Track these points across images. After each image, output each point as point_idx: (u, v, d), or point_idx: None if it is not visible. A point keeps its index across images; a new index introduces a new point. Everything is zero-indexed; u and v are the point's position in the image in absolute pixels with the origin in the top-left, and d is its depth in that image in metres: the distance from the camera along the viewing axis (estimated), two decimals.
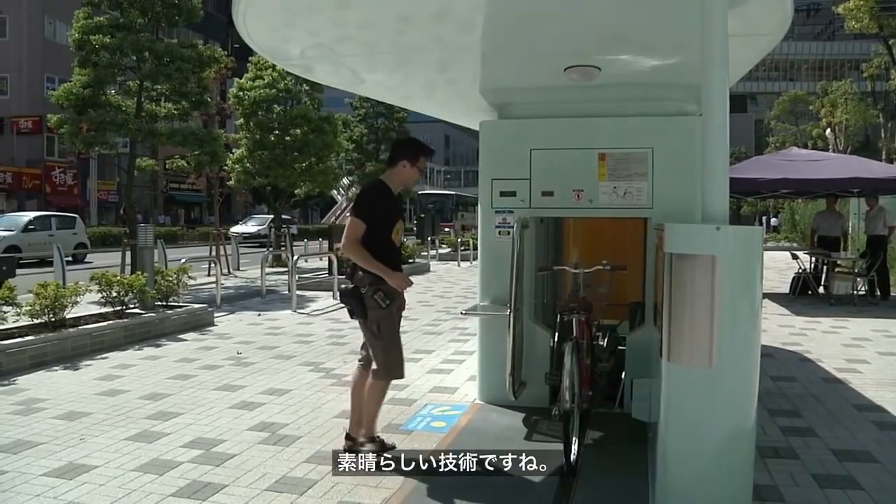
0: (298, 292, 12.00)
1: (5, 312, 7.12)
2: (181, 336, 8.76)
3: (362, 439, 4.42)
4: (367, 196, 4.31)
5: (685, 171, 5.02)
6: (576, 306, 4.47)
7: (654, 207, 5.20)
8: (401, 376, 4.35)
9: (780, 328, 9.43)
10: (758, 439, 3.43)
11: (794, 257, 13.81)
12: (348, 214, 4.33)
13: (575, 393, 4.07)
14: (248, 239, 31.59)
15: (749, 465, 3.31)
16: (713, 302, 3.15)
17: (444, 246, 26.56)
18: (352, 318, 4.29)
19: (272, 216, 24.34)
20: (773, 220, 38.20)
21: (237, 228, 32.45)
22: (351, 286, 4.26)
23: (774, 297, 12.70)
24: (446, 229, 34.16)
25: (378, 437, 4.48)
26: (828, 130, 37.58)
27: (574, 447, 4.08)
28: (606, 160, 5.30)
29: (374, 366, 4.29)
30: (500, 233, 5.44)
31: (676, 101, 5.29)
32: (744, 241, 3.27)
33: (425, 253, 22.23)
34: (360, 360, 4.53)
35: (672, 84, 5.09)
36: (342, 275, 14.16)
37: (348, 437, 4.47)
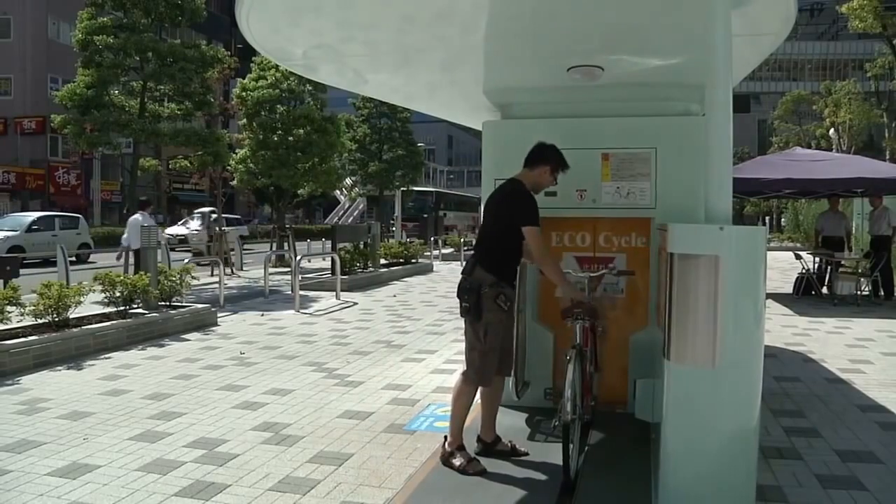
0: (301, 292, 12.00)
1: (9, 312, 7.13)
2: (184, 336, 8.77)
3: (478, 446, 4.35)
4: (530, 199, 4.20)
5: (688, 172, 5.01)
6: (580, 312, 4.29)
7: (657, 208, 5.20)
8: (488, 384, 4.19)
9: (784, 328, 9.42)
10: (761, 440, 3.43)
11: (798, 257, 13.80)
12: (516, 221, 4.14)
13: (576, 404, 3.91)
14: (182, 242, 27.06)
15: (753, 466, 3.30)
16: (716, 302, 3.15)
17: (447, 246, 26.58)
18: (463, 314, 4.14)
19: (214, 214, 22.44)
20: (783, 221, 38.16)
21: (172, 230, 27.80)
22: (471, 282, 4.10)
23: (778, 298, 12.69)
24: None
25: (465, 449, 4.21)
26: (831, 130, 37.50)
27: (573, 461, 3.95)
28: (610, 160, 5.30)
29: (465, 368, 4.20)
30: None
31: (680, 101, 5.28)
32: (747, 242, 3.26)
33: (428, 253, 22.23)
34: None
35: (675, 84, 5.09)
36: (345, 274, 14.21)
37: (479, 439, 4.40)
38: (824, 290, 13.29)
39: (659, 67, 4.81)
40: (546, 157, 4.35)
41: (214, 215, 21.89)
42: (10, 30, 37.31)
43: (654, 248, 5.14)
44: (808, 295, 13.20)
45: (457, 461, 4.11)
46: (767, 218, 40.08)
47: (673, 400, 3.41)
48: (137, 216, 13.17)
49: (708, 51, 3.39)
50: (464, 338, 4.23)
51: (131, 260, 12.81)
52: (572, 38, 4.33)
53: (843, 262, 13.09)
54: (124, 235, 13.42)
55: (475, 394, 4.22)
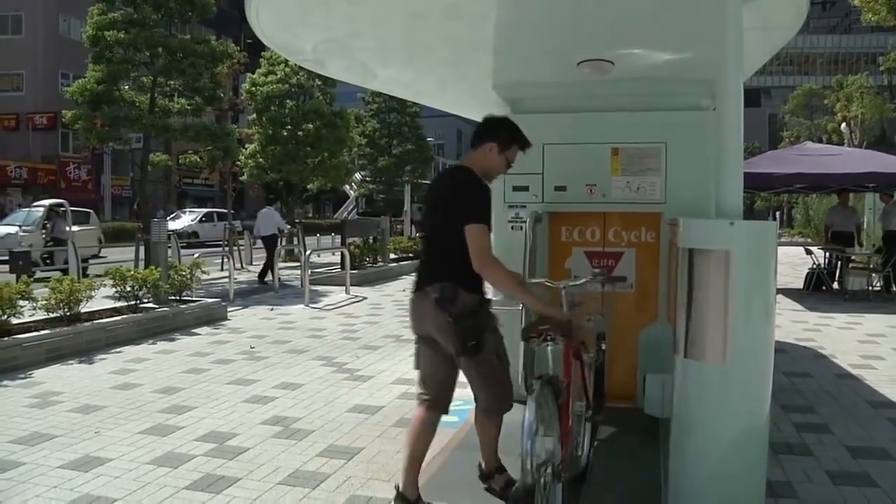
0: (311, 287, 12.03)
1: (22, 307, 7.18)
2: (194, 330, 8.80)
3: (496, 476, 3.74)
4: (478, 189, 3.33)
5: (698, 166, 4.99)
6: (547, 330, 3.24)
7: (668, 202, 5.18)
8: (512, 397, 3.49)
9: (794, 324, 9.38)
10: (771, 435, 3.41)
11: (809, 252, 13.73)
12: (451, 217, 3.27)
13: (544, 463, 2.99)
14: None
15: (763, 461, 3.29)
16: (727, 297, 3.14)
17: None
18: (463, 353, 3.24)
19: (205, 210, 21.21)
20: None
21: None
22: (466, 310, 3.22)
23: (788, 293, 12.63)
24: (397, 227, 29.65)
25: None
26: (843, 125, 37.23)
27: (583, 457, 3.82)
28: (620, 155, 5.29)
29: (485, 404, 3.45)
30: (512, 227, 5.44)
31: (690, 95, 5.26)
32: (758, 236, 3.25)
33: None
34: (424, 397, 3.51)
35: (686, 78, 5.06)
36: (354, 269, 14.22)
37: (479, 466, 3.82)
38: (835, 285, 13.22)
39: (669, 62, 4.78)
40: (492, 133, 3.47)
41: (63, 211, 16.75)
42: (21, 26, 37.51)
43: (664, 242, 5.13)
44: (818, 290, 13.13)
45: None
46: (778, 213, 39.86)
47: (683, 395, 3.40)
48: (267, 209, 15.79)
49: (719, 45, 3.37)
50: (468, 379, 3.41)
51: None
52: (582, 33, 4.31)
53: (853, 258, 13.02)
54: (255, 225, 16.06)
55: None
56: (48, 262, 15.97)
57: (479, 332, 3.23)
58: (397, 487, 3.44)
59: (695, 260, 3.24)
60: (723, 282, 3.14)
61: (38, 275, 12.35)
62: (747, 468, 3.25)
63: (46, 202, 19.14)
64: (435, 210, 3.44)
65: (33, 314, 7.53)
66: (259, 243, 16.43)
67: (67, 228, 16.17)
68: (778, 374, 5.83)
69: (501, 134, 3.46)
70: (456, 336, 3.20)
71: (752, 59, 4.66)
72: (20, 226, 18.26)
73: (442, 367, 3.43)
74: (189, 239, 27.40)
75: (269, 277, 14.26)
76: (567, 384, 3.35)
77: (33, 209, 19.34)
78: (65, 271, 11.35)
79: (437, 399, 3.45)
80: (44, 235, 16.83)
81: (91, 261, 16.88)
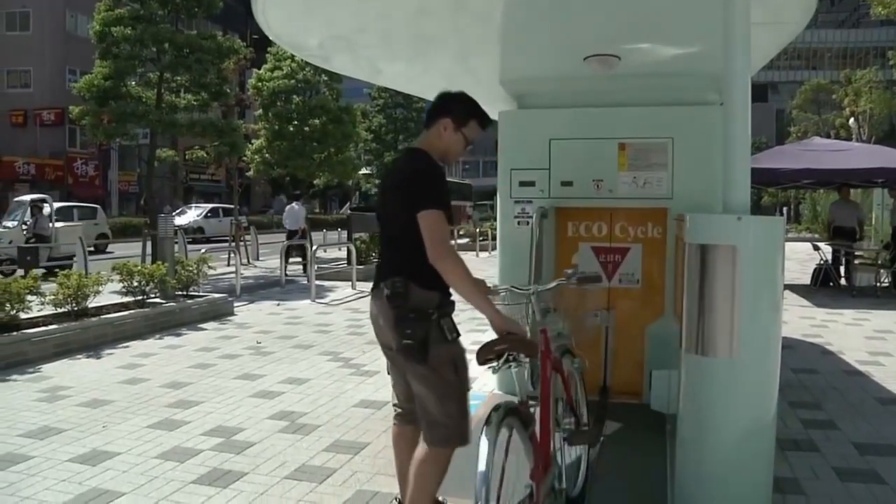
0: (317, 282, 12.04)
1: (30, 301, 7.21)
2: (201, 325, 8.83)
3: None
4: (433, 173, 2.91)
5: (705, 161, 4.98)
6: (506, 349, 2.71)
7: (674, 198, 5.17)
8: (470, 438, 2.88)
9: (801, 320, 9.35)
10: (778, 432, 3.41)
11: (816, 248, 13.68)
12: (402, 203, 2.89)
13: None
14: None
15: (769, 458, 3.29)
16: (734, 292, 3.13)
17: (462, 236, 26.58)
18: (407, 358, 2.82)
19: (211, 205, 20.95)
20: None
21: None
22: (410, 308, 2.79)
23: (795, 289, 12.59)
24: None
25: None
26: (851, 120, 37.04)
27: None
28: (626, 150, 5.27)
29: (432, 430, 2.87)
30: (519, 223, 5.44)
31: (697, 90, 5.24)
32: (765, 232, 3.24)
33: None
34: (396, 410, 3.22)
35: (692, 73, 5.05)
36: (361, 264, 14.23)
37: None
38: (842, 281, 13.17)
39: (676, 56, 4.77)
40: (445, 109, 3.05)
41: (46, 206, 16.98)
42: (29, 23, 37.63)
43: (671, 238, 5.12)
44: (826, 286, 13.08)
45: None
46: (785, 208, 39.69)
47: (689, 391, 3.40)
48: (294, 205, 16.82)
49: (726, 39, 3.36)
50: (420, 389, 2.89)
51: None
52: (588, 28, 4.30)
53: (858, 253, 12.96)
54: (285, 220, 17.00)
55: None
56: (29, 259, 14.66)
57: (421, 332, 2.74)
58: (398, 500, 3.28)
59: (702, 255, 3.23)
60: (730, 277, 3.13)
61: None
62: (754, 464, 3.25)
63: (28, 197, 18.85)
64: (387, 199, 3.05)
65: (41, 309, 7.57)
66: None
67: (50, 224, 16.14)
68: (785, 371, 5.83)
69: (456, 109, 3.04)
70: (394, 331, 2.81)
71: (760, 53, 4.64)
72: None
73: (401, 376, 3.08)
74: (194, 234, 27.39)
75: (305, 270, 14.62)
76: (544, 405, 2.97)
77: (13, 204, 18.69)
78: (49, 269, 10.83)
79: (408, 412, 3.11)
80: (24, 232, 16.35)
81: (74, 259, 15.31)
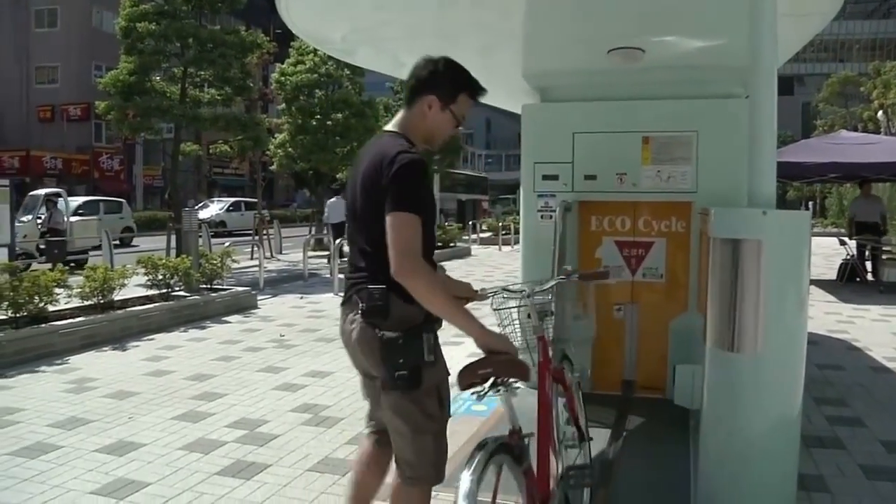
0: (340, 275, 12.09)
1: (57, 294, 7.31)
2: (225, 318, 8.90)
3: None
4: (416, 167, 2.36)
5: (730, 155, 4.93)
6: (489, 373, 2.28)
7: (699, 191, 5.13)
8: (444, 475, 2.50)
9: (827, 315, 9.24)
10: (803, 428, 3.37)
11: (842, 243, 13.51)
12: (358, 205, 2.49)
13: None
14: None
15: (794, 454, 3.26)
16: (759, 287, 3.10)
17: (484, 229, 26.57)
18: (394, 388, 2.35)
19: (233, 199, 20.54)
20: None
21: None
22: (396, 328, 2.33)
23: (821, 284, 12.44)
24: None
25: None
26: (879, 112, 36.46)
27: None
28: (650, 143, 5.24)
29: (400, 467, 2.48)
30: (542, 216, 5.42)
31: (722, 83, 5.19)
32: (791, 226, 3.21)
33: (466, 237, 22.22)
34: (370, 429, 2.75)
35: (718, 66, 4.99)
36: None
37: None
38: (869, 276, 13.00)
39: (701, 49, 4.72)
40: (429, 83, 2.54)
41: (60, 201, 16.95)
42: (57, 20, 38.17)
43: (695, 232, 5.08)
44: (852, 281, 12.92)
45: None
46: (811, 203, 39.25)
47: (713, 386, 3.37)
48: (336, 199, 16.92)
49: (753, 31, 3.32)
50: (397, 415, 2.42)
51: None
52: (612, 20, 4.27)
53: (885, 248, 12.78)
54: (325, 214, 17.52)
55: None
56: (43, 253, 14.98)
57: (416, 356, 2.31)
58: None
59: (726, 249, 3.20)
60: (755, 272, 3.10)
61: (34, 267, 12.07)
62: (779, 460, 3.22)
63: (42, 191, 18.77)
64: (359, 192, 2.48)
65: (68, 302, 7.67)
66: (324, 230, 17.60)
67: (65, 218, 16.29)
68: (810, 366, 5.77)
69: (442, 83, 2.52)
70: (382, 362, 2.34)
71: (787, 45, 4.58)
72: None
73: (378, 400, 2.56)
74: (216, 228, 27.61)
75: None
76: (543, 430, 2.64)
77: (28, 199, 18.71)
78: (65, 263, 10.83)
79: (385, 437, 2.59)
80: (39, 226, 16.37)
81: (91, 253, 15.69)
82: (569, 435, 3.06)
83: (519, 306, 2.88)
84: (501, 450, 2.28)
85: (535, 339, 2.84)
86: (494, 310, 2.91)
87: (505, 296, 2.91)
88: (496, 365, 2.31)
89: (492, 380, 2.26)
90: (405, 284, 2.27)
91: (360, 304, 2.39)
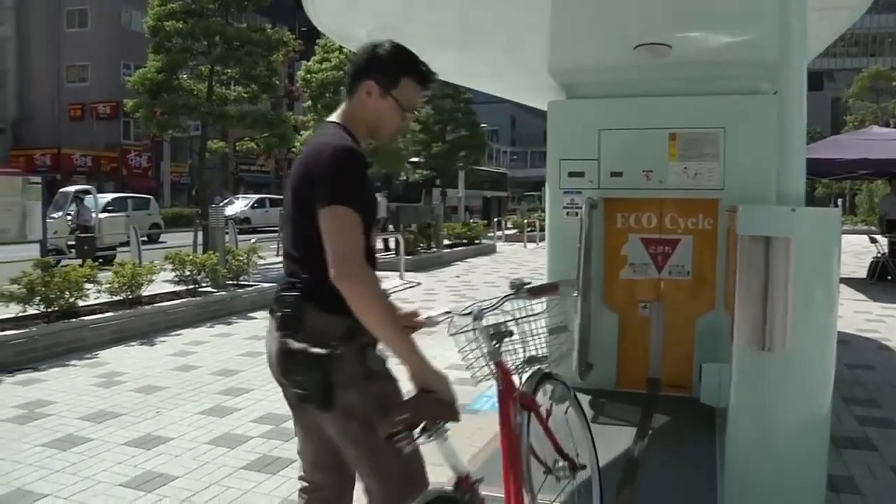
0: None
1: (87, 290, 7.42)
2: (251, 314, 8.97)
3: None
4: (352, 159, 2.07)
5: (758, 151, 4.88)
6: (409, 419, 1.95)
7: (726, 188, 5.08)
8: (427, 484, 2.21)
9: (857, 314, 9.11)
10: (832, 429, 3.33)
11: (873, 241, 13.30)
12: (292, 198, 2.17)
13: None
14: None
15: (823, 455, 3.22)
16: (788, 285, 3.06)
17: (510, 226, 26.54)
18: (302, 401, 2.13)
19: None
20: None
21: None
22: (305, 340, 2.05)
23: (851, 282, 12.26)
24: None
25: None
26: None
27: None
28: (677, 140, 5.19)
29: (372, 499, 2.17)
30: (567, 213, 5.40)
31: (750, 78, 5.14)
32: (821, 223, 3.17)
33: (491, 234, 22.19)
34: (303, 483, 2.34)
35: (746, 61, 4.94)
36: (409, 254, 14.30)
37: None
38: None
39: (729, 44, 4.67)
40: (366, 68, 2.22)
41: (89, 197, 17.33)
42: (87, 20, 38.75)
43: (722, 229, 5.03)
44: (883, 280, 12.72)
45: None
46: (840, 200, 38.70)
47: (741, 385, 3.34)
48: (377, 195, 15.87)
49: (782, 26, 3.27)
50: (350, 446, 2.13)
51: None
52: (639, 15, 4.23)
53: None
54: None
55: None
56: (74, 249, 15.15)
57: (316, 378, 2.03)
58: None
59: (754, 247, 3.17)
60: (784, 270, 3.06)
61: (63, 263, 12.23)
62: (808, 461, 3.18)
63: (73, 188, 19.12)
64: (288, 191, 2.20)
65: (98, 297, 7.78)
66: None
67: (94, 215, 16.50)
68: (840, 366, 5.69)
69: (381, 66, 2.20)
70: (283, 376, 2.14)
71: (817, 40, 4.52)
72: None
73: (312, 433, 2.23)
74: (241, 225, 27.90)
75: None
76: (510, 467, 2.38)
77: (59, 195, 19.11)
78: (95, 259, 10.92)
79: (317, 486, 2.28)
80: (69, 223, 16.62)
81: (119, 249, 15.98)
82: (559, 467, 2.68)
83: (473, 329, 2.55)
84: (448, 501, 2.04)
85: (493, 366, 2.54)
86: (451, 335, 2.59)
87: (455, 320, 2.58)
88: (416, 409, 2.00)
89: (420, 425, 1.96)
90: (342, 290, 1.95)
91: (277, 313, 2.13)
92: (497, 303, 2.63)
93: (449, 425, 2.02)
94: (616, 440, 4.25)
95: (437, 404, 2.03)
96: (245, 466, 4.01)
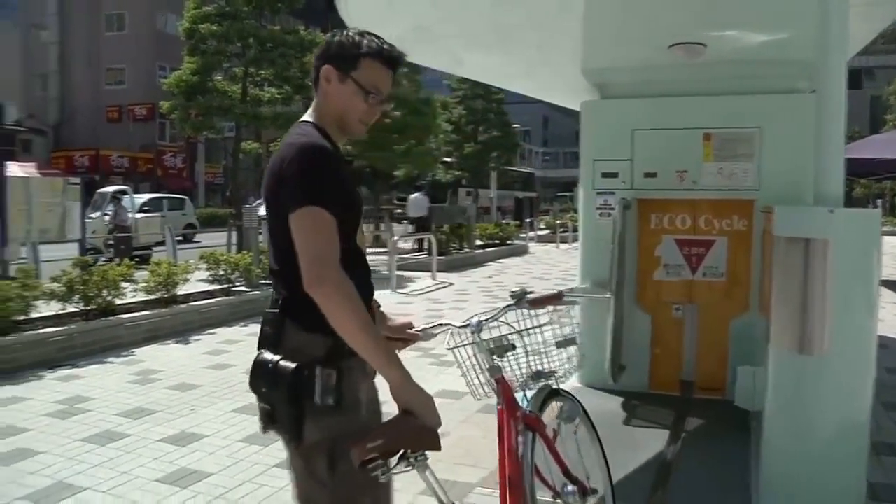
0: (398, 272, 12.18)
1: (124, 288, 7.54)
2: None
3: None
4: (321, 155, 1.88)
5: (795, 151, 4.80)
6: (383, 448, 1.78)
7: (761, 189, 5.01)
8: None
9: None
10: (872, 435, 3.26)
11: None
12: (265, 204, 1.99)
13: None
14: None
15: (863, 461, 3.15)
16: (826, 287, 3.01)
17: (542, 227, 26.45)
18: (267, 426, 1.95)
19: None
20: None
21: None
22: (279, 358, 1.90)
23: (892, 285, 12.00)
24: None
25: None
26: None
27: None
28: (712, 140, 5.13)
29: None
30: (601, 214, 5.37)
31: (786, 77, 5.06)
32: (860, 225, 3.11)
33: (523, 234, 22.13)
34: None
35: (782, 60, 4.87)
36: (442, 255, 14.31)
37: None
38: None
39: (765, 43, 4.61)
40: (321, 55, 2.03)
41: (126, 198, 17.49)
42: (125, 23, 39.50)
43: (757, 231, 4.96)
44: None
45: None
46: (879, 200, 37.92)
47: (776, 388, 3.29)
48: (417, 195, 18.64)
49: (822, 24, 3.22)
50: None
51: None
52: (673, 14, 4.19)
53: None
54: (409, 209, 18.79)
55: None
56: (111, 249, 15.26)
57: (281, 394, 1.87)
58: None
59: (791, 249, 3.12)
60: (821, 272, 3.02)
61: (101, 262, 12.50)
62: (846, 467, 3.12)
63: (110, 188, 19.45)
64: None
65: (134, 296, 7.90)
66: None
67: (130, 215, 16.74)
68: (880, 370, 5.57)
69: (337, 49, 1.98)
70: (253, 388, 1.97)
71: (856, 38, 4.44)
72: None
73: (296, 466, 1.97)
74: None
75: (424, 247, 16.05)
76: (507, 492, 2.23)
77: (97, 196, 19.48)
78: (131, 259, 11.07)
79: None
80: (107, 223, 16.84)
81: (155, 249, 16.37)
82: (568, 491, 2.46)
83: (473, 343, 2.42)
84: None
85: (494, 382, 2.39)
86: (449, 349, 2.48)
87: (453, 332, 2.43)
88: (394, 435, 1.83)
89: (399, 453, 1.80)
90: (315, 299, 1.77)
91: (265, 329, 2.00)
92: (497, 314, 2.46)
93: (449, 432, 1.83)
94: (648, 442, 4.21)
95: (417, 430, 1.87)
96: (277, 465, 4.04)
